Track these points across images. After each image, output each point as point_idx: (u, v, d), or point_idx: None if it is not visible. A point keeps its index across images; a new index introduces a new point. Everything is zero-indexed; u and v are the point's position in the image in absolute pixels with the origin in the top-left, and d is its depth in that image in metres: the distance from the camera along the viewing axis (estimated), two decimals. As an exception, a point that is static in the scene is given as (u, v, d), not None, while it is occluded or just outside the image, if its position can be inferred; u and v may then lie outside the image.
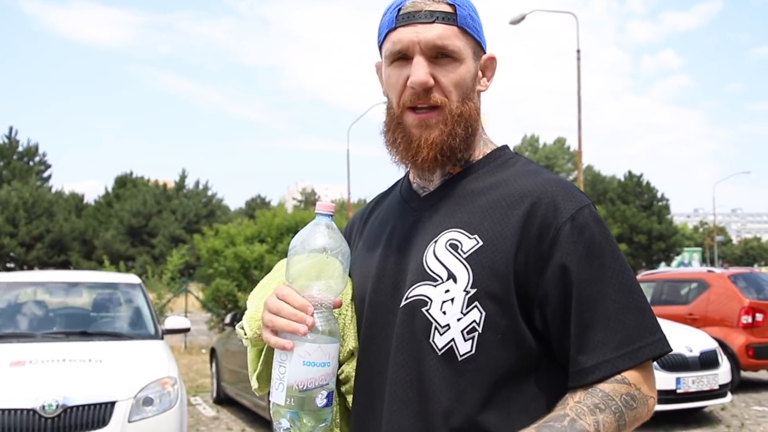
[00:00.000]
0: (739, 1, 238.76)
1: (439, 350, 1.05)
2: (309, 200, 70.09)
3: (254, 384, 1.19)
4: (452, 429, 1.03)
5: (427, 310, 1.06)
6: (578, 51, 20.24)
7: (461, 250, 1.06)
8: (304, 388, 0.99)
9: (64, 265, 36.31)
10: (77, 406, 4.09)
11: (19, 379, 4.26)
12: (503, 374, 1.04)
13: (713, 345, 7.16)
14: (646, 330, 1.03)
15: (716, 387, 6.81)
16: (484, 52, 1.18)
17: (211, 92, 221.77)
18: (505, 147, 1.22)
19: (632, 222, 45.65)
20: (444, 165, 1.15)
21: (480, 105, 1.19)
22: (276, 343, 1.03)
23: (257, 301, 1.14)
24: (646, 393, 1.04)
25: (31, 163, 40.83)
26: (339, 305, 1.10)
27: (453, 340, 1.04)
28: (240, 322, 1.17)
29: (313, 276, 1.03)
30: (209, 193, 40.15)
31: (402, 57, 1.11)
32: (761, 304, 8.74)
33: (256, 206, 54.38)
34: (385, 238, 1.20)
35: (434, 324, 1.05)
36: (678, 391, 6.57)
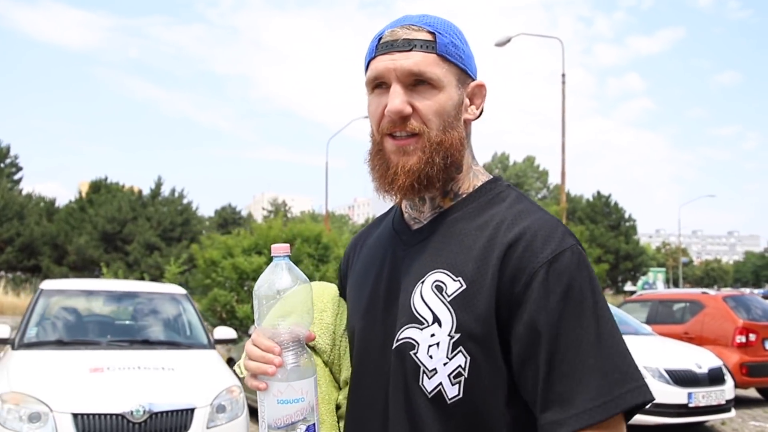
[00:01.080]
0: (701, 28, 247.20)
1: (429, 393, 1.04)
2: (278, 211, 69.89)
3: None
4: None
5: (414, 354, 1.05)
6: (563, 75, 20.95)
7: (446, 292, 1.05)
8: (281, 424, 1.04)
9: (35, 270, 35.60)
10: (162, 412, 4.27)
11: (102, 385, 4.41)
12: (496, 418, 1.02)
13: (719, 362, 7.62)
14: (624, 378, 0.96)
15: (723, 402, 7.25)
16: (473, 80, 1.15)
17: (179, 99, 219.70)
18: (497, 180, 1.18)
19: (600, 241, 46.76)
20: (418, 193, 1.12)
21: (466, 133, 1.16)
22: (251, 385, 1.08)
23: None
24: None
25: (2, 165, 40.02)
26: (311, 339, 1.14)
27: (441, 384, 1.03)
28: (238, 362, 1.21)
29: (279, 316, 1.06)
30: (184, 201, 39.76)
31: (380, 85, 1.11)
32: (754, 324, 9.28)
33: (226, 215, 54.05)
34: (376, 271, 1.19)
35: (422, 368, 1.04)
36: (689, 405, 6.98)
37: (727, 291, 10.90)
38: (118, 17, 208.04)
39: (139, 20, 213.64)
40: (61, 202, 39.95)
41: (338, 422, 1.22)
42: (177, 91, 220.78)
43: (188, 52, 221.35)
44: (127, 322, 5.81)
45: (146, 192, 39.05)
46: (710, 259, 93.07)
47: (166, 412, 4.29)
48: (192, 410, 4.40)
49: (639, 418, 6.99)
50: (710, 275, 75.71)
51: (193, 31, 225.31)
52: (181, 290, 6.42)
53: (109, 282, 7.18)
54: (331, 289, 1.28)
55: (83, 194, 40.02)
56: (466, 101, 1.14)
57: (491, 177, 1.19)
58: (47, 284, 6.02)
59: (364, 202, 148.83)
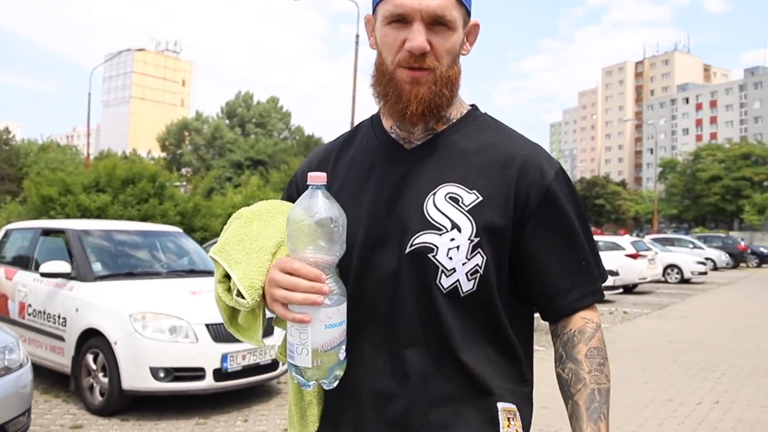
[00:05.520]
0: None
1: (445, 289, 1.18)
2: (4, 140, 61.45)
3: (260, 341, 1.31)
4: (462, 350, 1.19)
5: (434, 256, 1.18)
6: (357, 36, 23.37)
7: (462, 203, 1.19)
8: (329, 348, 1.10)
9: None
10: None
11: (208, 303, 5.62)
12: (499, 308, 1.22)
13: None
14: (603, 273, 1.30)
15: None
16: (469, 18, 1.25)
17: None
18: (475, 107, 1.33)
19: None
20: (428, 120, 1.24)
21: (461, 68, 1.26)
22: (294, 318, 1.10)
23: (245, 267, 1.19)
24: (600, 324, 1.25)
25: None
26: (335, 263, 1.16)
27: (458, 281, 1.18)
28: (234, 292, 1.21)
29: (321, 243, 1.10)
30: None
31: (401, 20, 1.18)
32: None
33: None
34: (373, 184, 1.26)
35: (441, 268, 1.18)
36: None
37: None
38: None
39: None
40: None
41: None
42: None
43: None
44: (166, 256, 6.64)
45: None
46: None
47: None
48: (271, 319, 5.96)
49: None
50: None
51: None
52: (179, 229, 7.44)
53: (120, 223, 7.65)
54: None
55: None
56: (464, 38, 1.26)
57: (470, 105, 1.34)
58: (71, 224, 6.60)
59: (84, 132, 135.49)
